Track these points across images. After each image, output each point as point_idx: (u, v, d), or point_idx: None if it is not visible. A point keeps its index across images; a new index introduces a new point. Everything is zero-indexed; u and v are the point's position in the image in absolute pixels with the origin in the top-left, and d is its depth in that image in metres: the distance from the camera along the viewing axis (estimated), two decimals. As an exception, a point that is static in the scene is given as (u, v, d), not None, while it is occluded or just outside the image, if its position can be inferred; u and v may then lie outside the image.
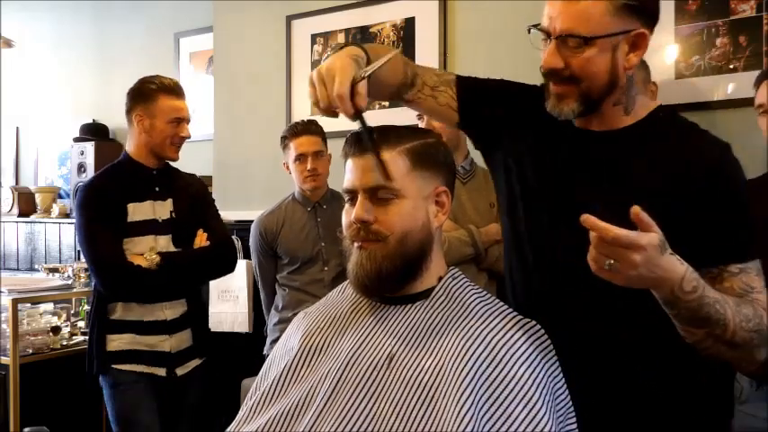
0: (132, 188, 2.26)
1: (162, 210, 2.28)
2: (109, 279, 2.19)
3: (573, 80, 1.11)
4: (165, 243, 2.26)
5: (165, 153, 2.28)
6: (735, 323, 1.01)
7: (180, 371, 2.29)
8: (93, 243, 2.19)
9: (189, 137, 2.32)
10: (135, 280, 2.18)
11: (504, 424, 0.98)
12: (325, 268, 2.50)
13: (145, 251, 2.20)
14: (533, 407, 0.99)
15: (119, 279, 2.18)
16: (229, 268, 2.44)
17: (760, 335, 1.04)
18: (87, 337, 2.38)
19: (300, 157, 2.48)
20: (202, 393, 2.41)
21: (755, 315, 1.04)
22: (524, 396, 1.00)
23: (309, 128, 2.49)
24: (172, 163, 2.38)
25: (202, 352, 2.37)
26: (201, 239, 2.33)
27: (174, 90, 2.28)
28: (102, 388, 2.29)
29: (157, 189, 2.29)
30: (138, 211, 2.24)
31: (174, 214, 2.30)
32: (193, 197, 2.39)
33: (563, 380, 1.08)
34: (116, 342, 2.22)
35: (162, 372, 2.25)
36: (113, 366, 2.22)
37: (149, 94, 2.24)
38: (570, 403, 1.07)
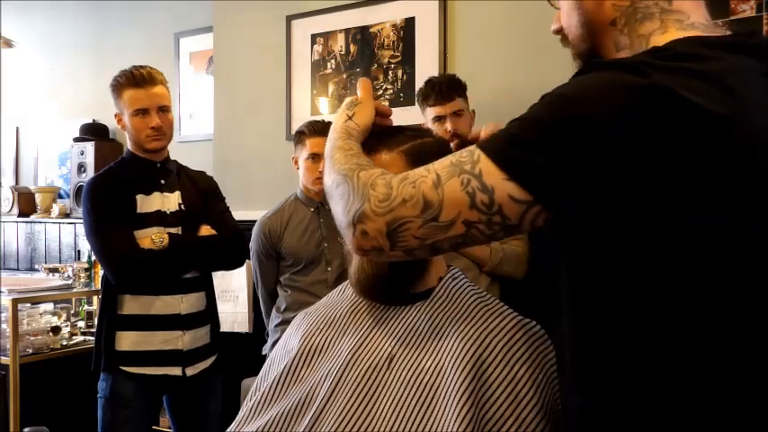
0: (139, 180, 2.22)
1: (170, 202, 2.24)
2: (117, 266, 2.12)
3: (568, 39, 0.99)
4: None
5: (145, 146, 2.22)
6: None
7: (190, 371, 2.22)
8: (99, 233, 2.14)
9: (161, 125, 2.20)
10: (143, 263, 2.12)
11: (495, 424, 0.98)
12: (329, 269, 2.50)
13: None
14: (525, 407, 0.99)
15: (127, 265, 2.12)
16: (239, 260, 2.40)
17: None
18: (94, 335, 2.31)
19: (314, 157, 2.46)
20: (220, 398, 2.36)
21: None
22: (517, 396, 1.00)
23: (328, 130, 2.47)
24: (178, 158, 2.36)
25: (215, 352, 2.32)
26: (206, 232, 2.28)
27: (138, 80, 2.17)
28: (98, 392, 2.20)
29: (163, 182, 2.26)
30: (146, 203, 2.20)
31: (183, 206, 2.26)
32: (203, 191, 2.36)
33: None
34: (126, 341, 2.15)
35: (177, 371, 2.19)
36: (122, 368, 2.15)
37: (116, 89, 2.20)
38: None
